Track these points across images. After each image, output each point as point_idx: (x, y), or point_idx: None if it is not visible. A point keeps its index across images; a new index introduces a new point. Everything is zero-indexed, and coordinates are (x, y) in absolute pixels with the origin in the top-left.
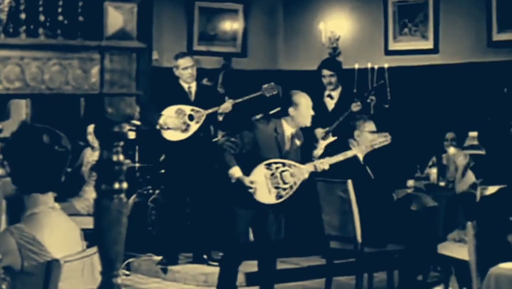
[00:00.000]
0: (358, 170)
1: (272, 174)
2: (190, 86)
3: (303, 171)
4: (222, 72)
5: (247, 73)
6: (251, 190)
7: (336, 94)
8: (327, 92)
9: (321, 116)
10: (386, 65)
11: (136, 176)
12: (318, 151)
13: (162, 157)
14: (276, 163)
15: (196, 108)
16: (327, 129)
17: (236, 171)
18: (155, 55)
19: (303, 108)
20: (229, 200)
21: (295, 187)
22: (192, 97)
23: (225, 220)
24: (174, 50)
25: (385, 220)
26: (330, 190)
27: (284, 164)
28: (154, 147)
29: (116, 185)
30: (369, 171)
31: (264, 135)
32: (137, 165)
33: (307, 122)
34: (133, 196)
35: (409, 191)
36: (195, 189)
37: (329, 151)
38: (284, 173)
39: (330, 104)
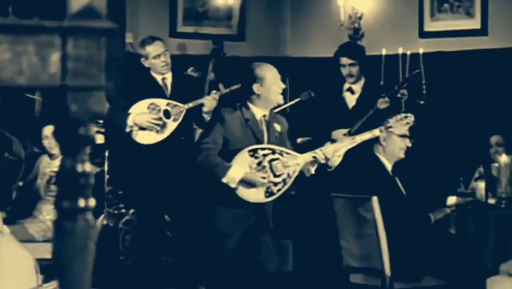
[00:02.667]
0: (386, 183)
1: (259, 164)
2: (164, 77)
3: (299, 160)
4: (212, 60)
5: (245, 61)
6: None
7: (358, 87)
8: (346, 85)
9: (339, 115)
10: (421, 51)
11: (105, 191)
12: (336, 159)
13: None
14: (263, 149)
15: (173, 102)
16: (346, 131)
17: (236, 172)
18: (128, 38)
19: (269, 82)
20: (210, 202)
21: (289, 182)
22: (168, 91)
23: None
24: (152, 31)
25: (420, 248)
26: (350, 209)
27: (274, 151)
28: (128, 153)
29: (81, 203)
30: (399, 185)
31: (232, 125)
32: (106, 177)
33: (278, 99)
34: (101, 217)
35: (450, 210)
36: (177, 206)
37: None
38: (274, 163)
39: (351, 100)
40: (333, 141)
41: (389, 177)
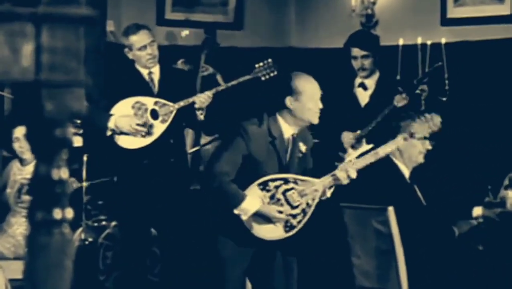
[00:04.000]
0: (403, 192)
1: (272, 197)
2: (151, 72)
3: (317, 186)
4: (203, 51)
5: (243, 52)
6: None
7: (371, 82)
8: (358, 80)
9: (350, 114)
10: (443, 40)
11: (83, 200)
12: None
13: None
14: (273, 180)
15: (162, 101)
16: (359, 132)
17: (251, 205)
18: (110, 26)
19: (307, 98)
20: (216, 233)
21: (309, 211)
22: (156, 87)
23: (209, 265)
24: (137, 18)
25: (443, 266)
26: (363, 222)
27: (286, 181)
28: (110, 158)
29: (57, 214)
30: (418, 193)
31: (256, 144)
32: (84, 184)
33: (314, 119)
34: (79, 231)
35: (477, 223)
36: (166, 219)
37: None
38: (289, 193)
39: (363, 97)
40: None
41: (407, 185)
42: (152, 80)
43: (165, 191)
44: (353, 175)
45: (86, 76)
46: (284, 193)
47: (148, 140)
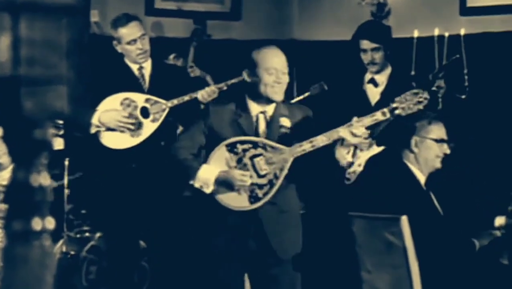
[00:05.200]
0: (419, 200)
1: (239, 161)
2: (142, 67)
3: (286, 155)
4: (192, 43)
5: (241, 45)
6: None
7: (382, 78)
8: (368, 76)
9: (359, 113)
10: (462, 32)
11: (64, 209)
12: (355, 168)
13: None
14: (242, 143)
15: (154, 98)
16: (369, 133)
17: (209, 172)
18: (94, 16)
19: (262, 72)
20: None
21: (276, 184)
22: (146, 84)
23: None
24: (124, 7)
25: (461, 281)
26: (374, 233)
27: (256, 145)
28: (94, 162)
29: (37, 224)
30: (435, 202)
31: (218, 122)
32: (66, 191)
33: (273, 95)
34: (60, 243)
35: (499, 233)
36: (155, 230)
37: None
38: (256, 159)
39: (374, 94)
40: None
41: (422, 192)
42: (142, 76)
43: (155, 198)
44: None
45: (69, 71)
46: (252, 158)
47: (137, 140)
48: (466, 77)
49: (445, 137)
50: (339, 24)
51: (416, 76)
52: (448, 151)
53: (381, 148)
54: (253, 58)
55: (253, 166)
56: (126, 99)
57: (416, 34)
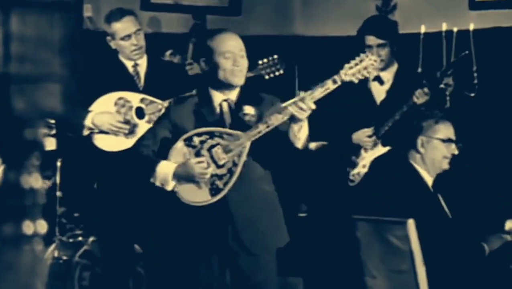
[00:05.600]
0: (426, 203)
1: (197, 154)
2: (137, 64)
3: (242, 140)
4: (191, 40)
5: (242, 41)
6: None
7: (388, 75)
8: (374, 73)
9: (363, 111)
10: (471, 27)
11: (56, 213)
12: (360, 170)
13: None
14: (199, 135)
15: (149, 98)
16: (371, 132)
17: (167, 167)
18: (87, 11)
19: (218, 57)
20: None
21: (236, 171)
22: (141, 82)
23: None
24: (118, 1)
25: (470, 287)
26: (378, 236)
27: (212, 135)
28: (87, 164)
29: (27, 228)
30: (443, 204)
31: (180, 116)
32: (58, 194)
33: (232, 78)
34: (52, 247)
35: (510, 238)
36: (151, 234)
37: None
38: (214, 150)
39: (379, 92)
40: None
41: (429, 194)
42: (137, 73)
43: (150, 201)
44: (307, 106)
45: (61, 68)
46: (209, 149)
47: (131, 142)
48: (475, 74)
49: (452, 137)
50: (343, 19)
51: (423, 74)
52: (456, 152)
53: (387, 148)
54: (208, 45)
55: (212, 157)
56: (120, 98)
57: (423, 29)
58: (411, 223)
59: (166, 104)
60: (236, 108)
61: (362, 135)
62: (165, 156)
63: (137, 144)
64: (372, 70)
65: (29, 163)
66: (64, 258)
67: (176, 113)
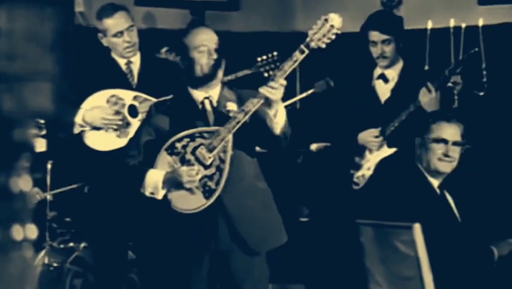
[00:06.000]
0: (433, 206)
1: (182, 160)
2: (130, 61)
3: (223, 134)
4: None
5: (239, 38)
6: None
7: (393, 73)
8: (378, 71)
9: (367, 111)
10: (480, 22)
11: (47, 217)
12: (364, 172)
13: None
14: (179, 140)
15: (143, 96)
16: (378, 133)
17: (155, 176)
18: (78, 6)
19: (194, 49)
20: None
21: (225, 168)
22: (135, 80)
23: None
24: None
25: None
26: (384, 242)
27: (192, 137)
28: (79, 165)
29: (17, 234)
30: (453, 207)
31: (163, 119)
32: (49, 197)
33: (207, 69)
34: (42, 253)
35: None
36: (145, 239)
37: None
38: (198, 151)
39: (384, 91)
40: (361, 149)
41: (436, 198)
42: (131, 71)
43: (144, 205)
44: (278, 84)
45: (52, 66)
46: (193, 152)
47: (124, 141)
48: (484, 72)
49: (447, 137)
50: (346, 14)
51: (430, 71)
52: (451, 153)
53: (393, 150)
54: (183, 42)
55: (197, 159)
56: (113, 96)
57: (430, 25)
58: (417, 227)
59: (160, 102)
60: (217, 106)
61: (368, 136)
62: (151, 165)
63: (123, 155)
64: (337, 29)
65: (19, 165)
66: (55, 264)
67: (158, 118)
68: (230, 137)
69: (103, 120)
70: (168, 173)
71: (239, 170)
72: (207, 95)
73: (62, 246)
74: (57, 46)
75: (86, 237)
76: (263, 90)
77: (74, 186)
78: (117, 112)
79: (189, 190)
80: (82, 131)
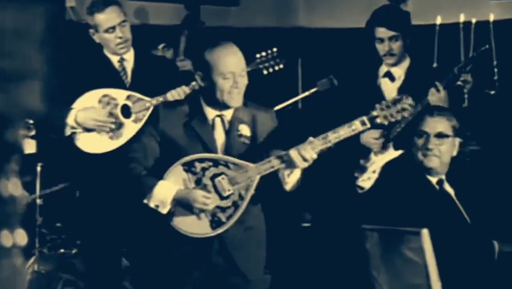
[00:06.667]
0: (441, 207)
1: (198, 182)
2: (123, 58)
3: (251, 172)
4: (184, 32)
5: (239, 34)
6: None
7: (400, 71)
8: (384, 69)
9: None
10: (491, 18)
11: (36, 222)
12: (370, 175)
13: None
14: (201, 161)
15: (136, 95)
16: (379, 135)
17: (166, 190)
18: (70, 1)
19: (214, 72)
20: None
21: (242, 205)
22: (128, 78)
23: None
24: None
25: None
26: (390, 248)
27: (216, 163)
28: (70, 168)
29: (6, 240)
30: (460, 208)
31: (170, 126)
32: (38, 201)
33: (229, 100)
34: (31, 260)
35: None
36: (140, 246)
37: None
38: (218, 179)
39: (390, 89)
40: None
41: (436, 195)
42: (124, 69)
43: (138, 210)
44: (309, 155)
45: (42, 64)
46: (212, 178)
47: (117, 143)
48: (495, 70)
49: (427, 129)
50: (350, 9)
51: (439, 69)
52: (431, 145)
53: (399, 152)
54: (207, 60)
55: (215, 186)
56: (105, 96)
57: (438, 20)
58: (425, 233)
59: (154, 101)
60: (230, 127)
61: (369, 137)
62: (157, 173)
63: (126, 159)
64: (408, 114)
65: (8, 167)
66: (45, 271)
67: (165, 123)
68: (257, 178)
69: (96, 122)
70: (181, 191)
71: (252, 220)
72: (220, 113)
73: (52, 252)
74: (47, 43)
75: (77, 243)
76: (294, 155)
77: (62, 185)
78: (110, 114)
79: (196, 214)
80: (73, 133)
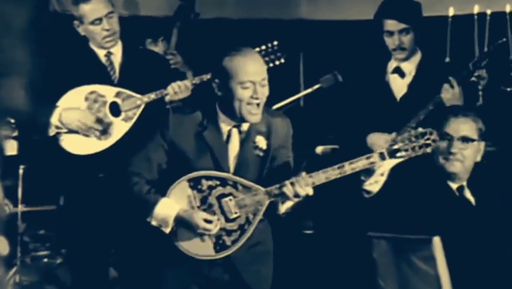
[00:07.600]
0: (459, 215)
1: (204, 200)
2: (110, 52)
3: (260, 196)
4: (176, 23)
5: (236, 26)
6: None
7: (410, 67)
8: (393, 64)
9: (381, 109)
10: (508, 8)
11: (18, 229)
12: (377, 178)
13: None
14: (208, 178)
15: (126, 92)
16: (393, 136)
17: (168, 208)
18: None
19: (234, 84)
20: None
21: (249, 230)
22: (116, 73)
23: None
24: None
25: None
26: (399, 257)
27: (224, 182)
28: (54, 171)
29: None
30: (480, 217)
31: (180, 134)
32: (20, 209)
33: (246, 115)
34: (13, 270)
35: None
36: (128, 254)
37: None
38: (224, 200)
39: (400, 86)
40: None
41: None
42: (111, 63)
43: (127, 216)
44: (304, 192)
45: (24, 58)
46: (219, 198)
47: (105, 144)
48: None
49: (451, 132)
50: (355, 0)
51: (452, 64)
52: (455, 150)
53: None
54: (225, 67)
55: (221, 207)
56: (92, 92)
57: (451, 12)
58: (437, 241)
59: (146, 99)
60: (246, 138)
61: (380, 139)
62: (161, 187)
63: (128, 171)
64: (430, 150)
65: None
66: (27, 283)
67: (175, 130)
68: (267, 202)
69: (82, 125)
70: (182, 212)
71: (258, 236)
72: (237, 124)
73: (35, 262)
74: (30, 36)
75: (62, 252)
76: (288, 190)
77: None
78: (98, 120)
79: (200, 235)
80: (57, 133)
